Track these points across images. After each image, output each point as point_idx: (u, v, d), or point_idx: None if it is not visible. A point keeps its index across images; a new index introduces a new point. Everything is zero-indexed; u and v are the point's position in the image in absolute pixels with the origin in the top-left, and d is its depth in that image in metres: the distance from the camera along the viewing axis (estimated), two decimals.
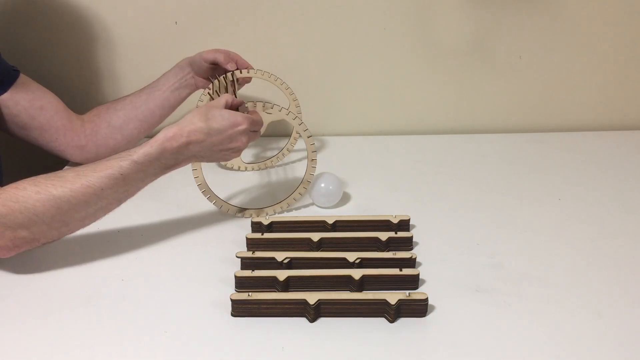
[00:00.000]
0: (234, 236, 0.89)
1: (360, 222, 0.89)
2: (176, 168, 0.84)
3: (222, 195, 0.97)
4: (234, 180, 1.09)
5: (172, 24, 1.22)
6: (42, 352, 0.68)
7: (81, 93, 1.27)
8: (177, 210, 0.97)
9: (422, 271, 0.78)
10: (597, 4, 1.22)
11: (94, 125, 1.06)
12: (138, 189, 0.82)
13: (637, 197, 1.02)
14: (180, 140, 0.80)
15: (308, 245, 0.84)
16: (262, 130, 1.16)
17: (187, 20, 1.22)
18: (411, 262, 0.80)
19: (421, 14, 1.22)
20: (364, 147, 1.27)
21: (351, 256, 0.80)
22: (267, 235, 0.86)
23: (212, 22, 1.22)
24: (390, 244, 0.84)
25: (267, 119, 1.17)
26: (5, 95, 0.97)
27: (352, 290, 0.76)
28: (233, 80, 1.00)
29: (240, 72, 1.02)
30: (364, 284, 0.76)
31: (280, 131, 1.29)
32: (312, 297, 0.72)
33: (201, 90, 1.08)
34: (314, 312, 0.71)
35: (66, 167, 1.07)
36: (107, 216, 0.81)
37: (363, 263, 0.80)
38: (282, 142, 1.22)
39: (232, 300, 0.72)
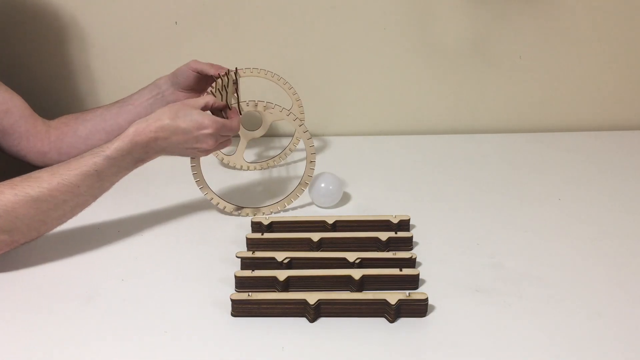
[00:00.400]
0: (234, 236, 0.89)
1: (360, 222, 0.89)
2: (147, 161, 0.85)
3: (221, 193, 0.97)
4: (236, 179, 1.09)
5: (172, 24, 1.21)
6: (42, 352, 0.68)
7: (80, 97, 1.26)
8: (178, 210, 0.97)
9: (422, 271, 0.78)
10: (597, 4, 1.22)
11: (60, 132, 1.04)
12: (112, 183, 0.83)
13: (637, 197, 1.02)
14: (148, 135, 0.82)
15: (308, 245, 0.84)
16: (264, 130, 1.16)
17: (187, 21, 1.22)
18: (411, 262, 0.80)
19: (421, 14, 1.22)
20: (364, 147, 1.27)
21: (351, 256, 0.80)
22: (267, 235, 0.86)
23: (212, 22, 1.22)
24: (390, 244, 0.84)
25: (268, 119, 1.17)
26: None
27: (352, 290, 0.76)
28: (236, 80, 1.00)
29: (244, 71, 1.02)
30: (364, 284, 0.76)
31: (282, 131, 1.29)
32: (312, 297, 0.72)
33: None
34: (314, 312, 0.71)
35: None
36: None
37: (363, 263, 0.80)
38: (285, 142, 1.22)
39: (232, 300, 0.72)
